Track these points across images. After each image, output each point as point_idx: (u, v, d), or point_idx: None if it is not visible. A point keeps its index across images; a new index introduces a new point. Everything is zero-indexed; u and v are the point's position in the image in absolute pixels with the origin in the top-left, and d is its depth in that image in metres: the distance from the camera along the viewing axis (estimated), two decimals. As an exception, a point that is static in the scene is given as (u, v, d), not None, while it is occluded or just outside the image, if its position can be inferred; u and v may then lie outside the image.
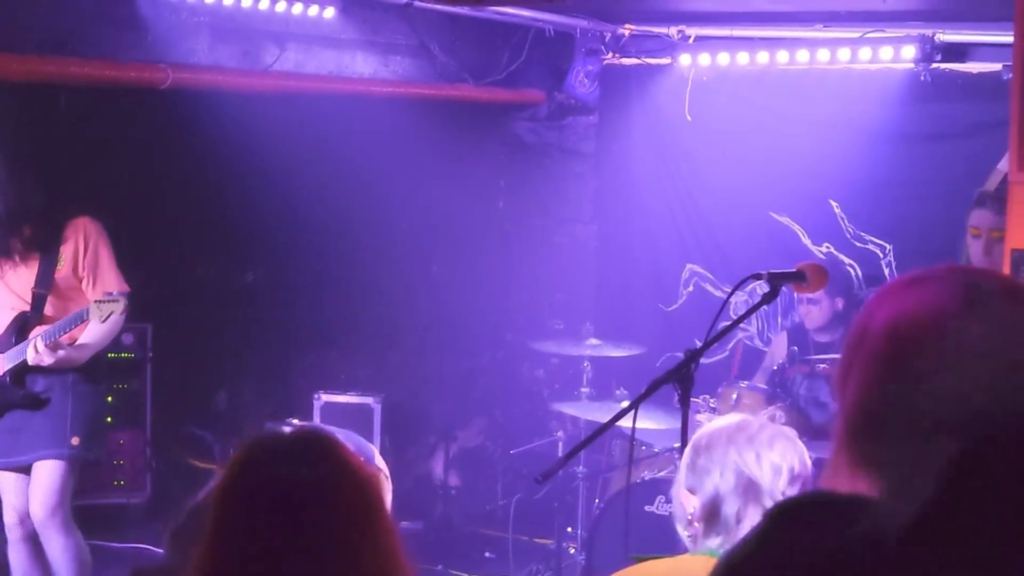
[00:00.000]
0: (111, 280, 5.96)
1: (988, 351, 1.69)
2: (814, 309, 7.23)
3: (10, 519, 6.01)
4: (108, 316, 5.65)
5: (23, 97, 7.31)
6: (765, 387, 7.11)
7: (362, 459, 2.41)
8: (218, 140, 7.60)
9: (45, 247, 5.87)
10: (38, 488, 5.88)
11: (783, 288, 4.26)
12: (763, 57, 8.24)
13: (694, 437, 3.07)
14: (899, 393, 1.73)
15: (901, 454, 1.69)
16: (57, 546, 5.92)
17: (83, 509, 6.75)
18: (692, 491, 2.97)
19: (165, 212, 8.27)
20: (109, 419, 7.95)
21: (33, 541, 6.00)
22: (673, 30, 8.55)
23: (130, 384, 8.03)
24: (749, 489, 2.88)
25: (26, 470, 5.93)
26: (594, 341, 7.68)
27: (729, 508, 2.88)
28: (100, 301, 5.67)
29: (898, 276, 1.90)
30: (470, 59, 8.91)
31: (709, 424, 3.11)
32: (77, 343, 5.84)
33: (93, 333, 5.87)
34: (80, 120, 7.53)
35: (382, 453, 8.43)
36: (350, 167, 8.44)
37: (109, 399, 7.93)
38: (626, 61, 8.95)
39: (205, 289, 8.70)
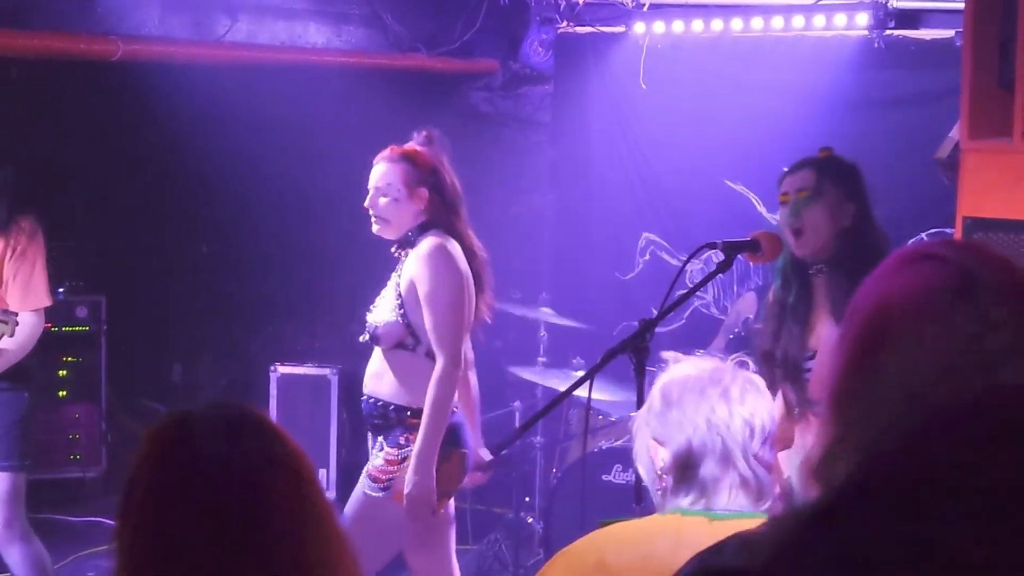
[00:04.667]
0: (34, 290, 5.68)
1: (964, 350, 1.68)
2: None
3: None
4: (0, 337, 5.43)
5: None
6: (723, 355, 7.11)
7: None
8: (170, 112, 7.54)
9: None
10: None
11: (738, 257, 4.28)
12: (717, 24, 8.23)
13: (663, 381, 2.96)
14: (867, 376, 1.73)
15: (862, 437, 1.69)
16: (15, 557, 5.75)
17: (39, 483, 6.72)
18: (660, 442, 2.89)
19: (118, 184, 8.22)
20: (63, 393, 7.92)
21: None
22: (627, -2, 8.53)
23: (84, 357, 7.98)
24: (724, 451, 2.83)
25: None
26: (550, 310, 7.69)
27: (706, 470, 2.82)
28: None
29: (901, 250, 1.88)
30: (424, 28, 8.86)
31: (679, 369, 3.00)
32: None
33: (11, 341, 5.53)
34: (31, 92, 7.47)
35: (340, 425, 8.45)
36: (305, 138, 8.40)
37: (62, 373, 7.91)
38: (580, 29, 8.93)
39: (160, 261, 8.66)
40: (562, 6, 8.85)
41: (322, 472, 8.27)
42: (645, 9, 8.52)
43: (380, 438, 5.29)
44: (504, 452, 4.94)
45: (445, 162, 5.49)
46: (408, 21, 8.76)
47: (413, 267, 5.24)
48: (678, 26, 8.41)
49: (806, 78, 7.96)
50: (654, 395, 2.94)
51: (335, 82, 8.30)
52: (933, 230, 7.09)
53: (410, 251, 5.33)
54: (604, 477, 6.74)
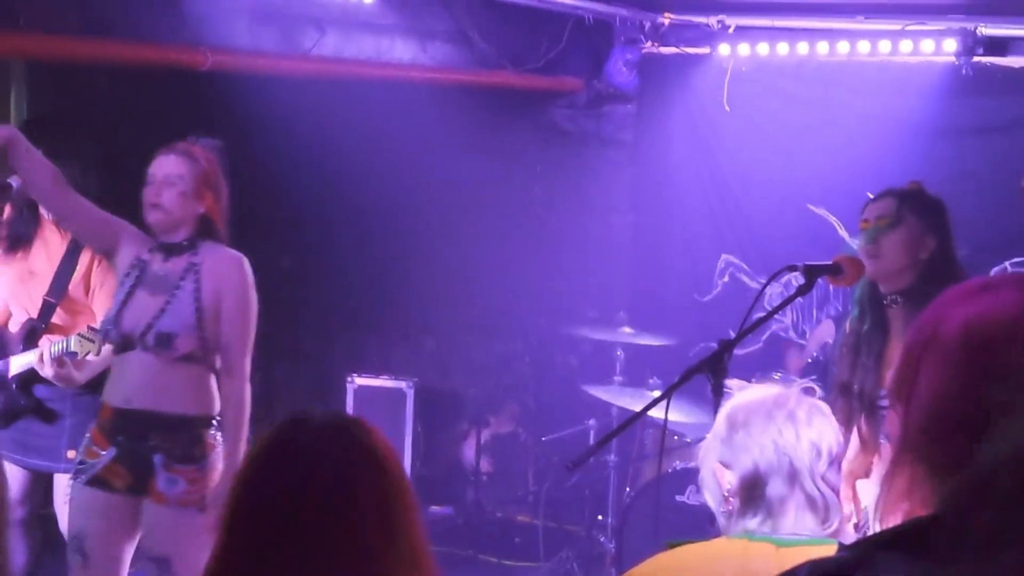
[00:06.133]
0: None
1: None
2: None
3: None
4: (86, 355, 5.48)
5: (63, 78, 7.35)
6: (798, 379, 7.09)
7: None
8: (256, 123, 7.61)
9: (72, 246, 5.70)
10: (61, 507, 5.71)
11: (818, 281, 4.27)
12: (803, 48, 8.21)
13: (729, 407, 2.99)
14: (979, 393, 1.72)
15: (972, 458, 1.68)
16: None
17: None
18: (727, 465, 2.91)
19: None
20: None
21: (23, 527, 5.89)
22: (713, 19, 8.52)
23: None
24: (790, 471, 2.84)
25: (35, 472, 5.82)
26: (628, 330, 7.69)
27: (772, 490, 2.84)
28: (82, 336, 5.48)
29: (966, 282, 1.87)
30: (509, 46, 8.90)
31: (744, 395, 3.04)
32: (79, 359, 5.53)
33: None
34: (119, 101, 7.56)
35: (415, 438, 8.47)
36: (388, 152, 8.45)
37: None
38: (665, 50, 8.92)
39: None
40: (647, 26, 8.86)
41: (409, 480, 8.30)
42: (731, 31, 8.51)
43: (161, 457, 4.98)
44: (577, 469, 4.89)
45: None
46: (494, 38, 8.80)
47: (219, 278, 5.12)
48: (763, 49, 8.39)
49: (892, 104, 7.92)
50: (719, 420, 2.98)
51: (420, 97, 8.35)
52: (1018, 259, 7.03)
53: (191, 257, 5.12)
54: (678, 498, 6.72)
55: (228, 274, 5.15)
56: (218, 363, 5.14)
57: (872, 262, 4.58)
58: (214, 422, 5.10)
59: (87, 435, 5.14)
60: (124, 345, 5.06)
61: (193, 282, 5.09)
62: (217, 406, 5.13)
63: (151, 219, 5.11)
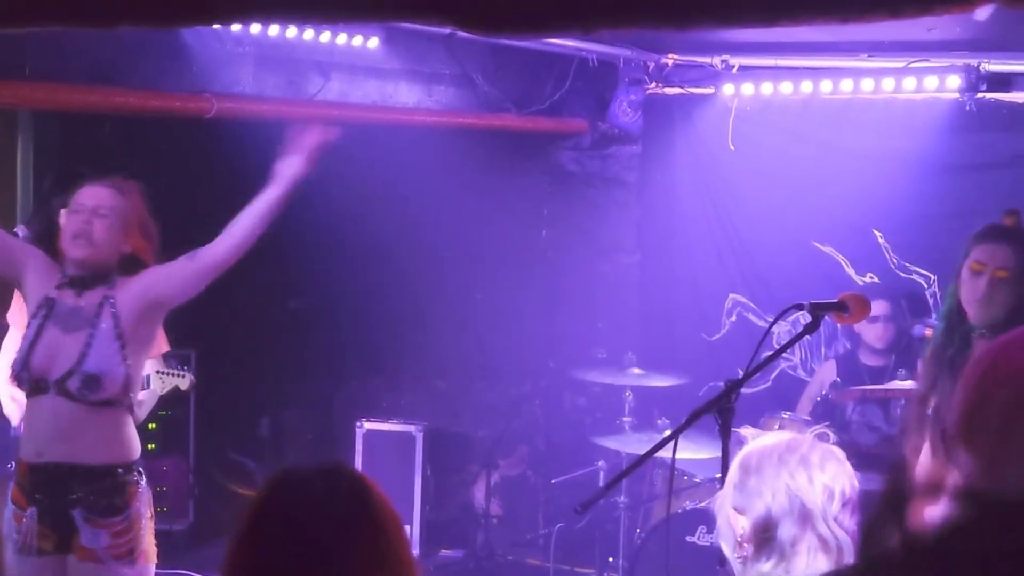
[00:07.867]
0: (157, 337, 5.78)
1: None
2: (878, 327, 7.26)
3: None
4: (170, 389, 5.50)
5: (68, 126, 7.37)
6: (808, 418, 7.08)
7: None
8: (262, 168, 7.63)
9: None
10: None
11: (825, 318, 4.27)
12: (807, 87, 8.22)
13: (742, 454, 3.01)
14: None
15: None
16: None
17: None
18: (740, 511, 2.92)
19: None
20: (152, 446, 8.00)
21: None
22: (717, 59, 8.54)
23: (174, 411, 8.04)
24: (802, 512, 2.84)
25: None
26: (637, 370, 7.68)
27: (784, 532, 2.84)
28: (163, 372, 5.50)
29: None
30: (514, 89, 8.92)
31: (757, 441, 3.05)
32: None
33: (147, 392, 5.59)
34: (125, 149, 7.58)
35: (424, 481, 8.44)
36: (394, 196, 8.47)
37: (152, 426, 7.98)
38: (669, 91, 8.95)
39: (250, 316, 8.73)
40: (651, 67, 8.89)
41: (405, 529, 8.28)
42: (735, 71, 8.53)
43: (81, 511, 4.76)
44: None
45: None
46: (498, 81, 8.83)
47: (134, 300, 4.90)
48: (767, 88, 8.40)
49: (896, 141, 7.92)
50: (733, 468, 2.99)
51: (425, 141, 8.37)
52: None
53: (105, 291, 4.87)
54: (688, 538, 6.70)
55: (138, 284, 4.95)
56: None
57: (982, 310, 4.56)
58: (135, 468, 4.88)
59: (9, 497, 4.89)
60: (36, 388, 4.80)
61: (110, 317, 4.82)
62: (137, 451, 4.90)
63: (77, 249, 4.87)
